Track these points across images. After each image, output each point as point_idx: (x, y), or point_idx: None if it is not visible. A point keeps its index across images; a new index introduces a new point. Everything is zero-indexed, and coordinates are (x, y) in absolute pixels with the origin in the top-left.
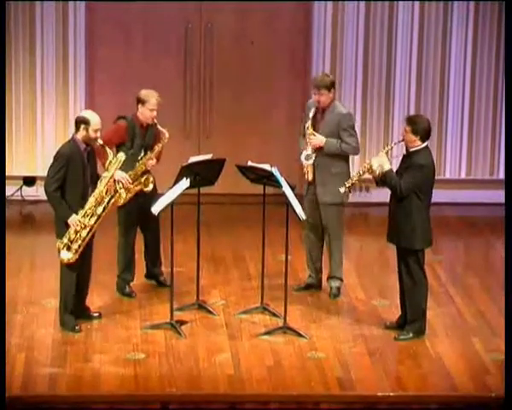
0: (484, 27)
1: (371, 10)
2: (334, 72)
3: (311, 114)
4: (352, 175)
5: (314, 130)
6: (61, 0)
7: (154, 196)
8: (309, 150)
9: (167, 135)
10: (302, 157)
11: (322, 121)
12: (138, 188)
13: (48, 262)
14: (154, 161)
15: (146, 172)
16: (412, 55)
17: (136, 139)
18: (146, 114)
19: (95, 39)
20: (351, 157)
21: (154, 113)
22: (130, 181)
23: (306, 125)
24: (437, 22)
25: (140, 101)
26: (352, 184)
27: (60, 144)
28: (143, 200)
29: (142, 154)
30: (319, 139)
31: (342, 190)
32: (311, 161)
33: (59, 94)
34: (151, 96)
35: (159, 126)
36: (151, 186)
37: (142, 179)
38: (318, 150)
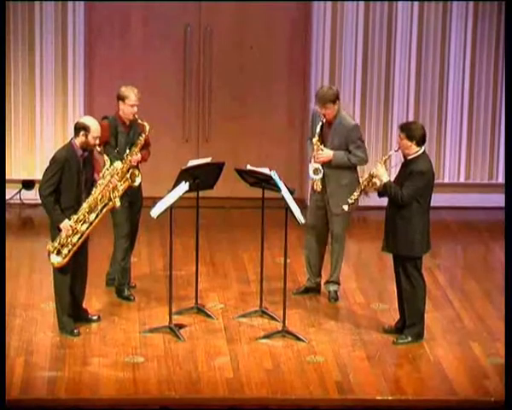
0: (483, 28)
1: (370, 10)
2: (334, 74)
3: (318, 129)
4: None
5: (321, 142)
6: (60, 0)
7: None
8: (317, 164)
9: (148, 127)
10: (310, 171)
11: (329, 133)
12: (126, 185)
13: (47, 266)
14: (139, 155)
15: (131, 167)
16: (411, 55)
17: (120, 137)
18: (127, 110)
19: (94, 41)
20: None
21: (135, 108)
22: (118, 179)
23: (314, 140)
24: (436, 22)
25: (120, 98)
26: (356, 200)
27: (59, 148)
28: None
29: (128, 151)
30: (327, 154)
31: (346, 207)
32: (320, 176)
33: (58, 97)
34: (130, 92)
35: (139, 120)
36: (138, 180)
37: (128, 175)
38: (327, 163)
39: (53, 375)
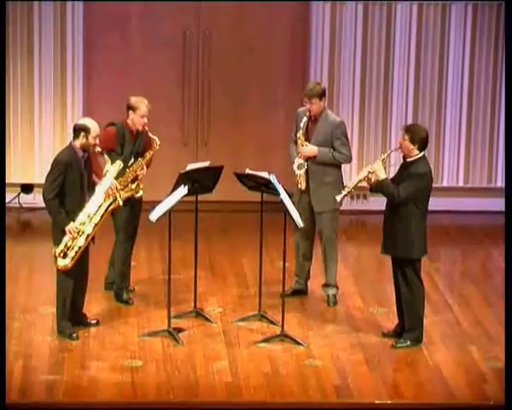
0: (482, 29)
1: (369, 11)
2: (332, 76)
3: (302, 124)
4: (348, 183)
5: (306, 139)
6: (59, 0)
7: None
8: (301, 160)
9: (158, 142)
10: (294, 166)
11: (314, 130)
12: (128, 194)
13: (45, 269)
14: (145, 170)
15: (136, 178)
16: (410, 57)
17: (126, 146)
18: (136, 120)
19: (93, 42)
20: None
21: (145, 119)
22: (120, 187)
23: (298, 135)
24: (435, 23)
25: (130, 108)
26: (349, 193)
27: (58, 151)
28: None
29: (132, 160)
30: (311, 149)
31: (339, 198)
32: (303, 171)
33: (57, 100)
34: (141, 103)
35: (150, 134)
36: (141, 192)
37: (133, 186)
38: (311, 159)
39: (52, 379)
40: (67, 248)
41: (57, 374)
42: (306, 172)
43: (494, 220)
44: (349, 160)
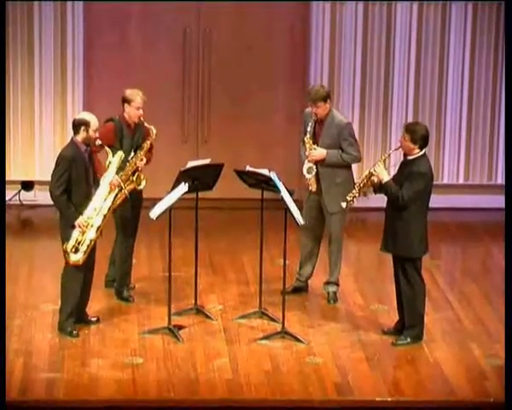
0: (482, 28)
1: (369, 11)
2: (333, 75)
3: (309, 128)
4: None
5: (314, 142)
6: (60, 0)
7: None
8: (310, 163)
9: (155, 131)
10: (304, 170)
11: (321, 132)
12: (131, 187)
13: (46, 267)
14: (144, 160)
15: (136, 170)
16: (410, 57)
17: (125, 140)
18: (132, 113)
19: (93, 42)
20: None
21: (141, 111)
22: (122, 182)
23: (306, 139)
24: (435, 23)
25: (126, 100)
26: (354, 198)
27: (58, 148)
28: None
29: (133, 154)
30: (320, 153)
31: (344, 204)
32: (313, 174)
33: (57, 98)
34: (136, 95)
35: (146, 124)
36: (144, 183)
37: (134, 178)
38: (320, 162)
39: (52, 376)
40: (79, 243)
41: (57, 372)
42: (316, 174)
43: (494, 217)
44: (357, 160)
